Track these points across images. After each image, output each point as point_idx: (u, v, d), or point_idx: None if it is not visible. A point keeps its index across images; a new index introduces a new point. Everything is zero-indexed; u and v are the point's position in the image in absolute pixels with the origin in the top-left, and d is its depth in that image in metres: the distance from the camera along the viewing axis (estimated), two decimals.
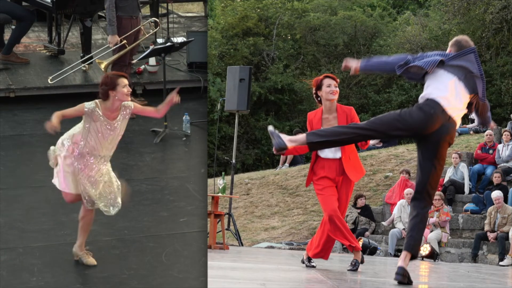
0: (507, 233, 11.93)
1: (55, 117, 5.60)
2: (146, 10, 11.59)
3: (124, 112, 5.85)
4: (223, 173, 10.60)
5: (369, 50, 24.97)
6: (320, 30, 25.36)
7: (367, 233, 13.09)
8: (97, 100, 5.75)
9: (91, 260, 5.93)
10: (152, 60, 9.75)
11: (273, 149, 5.36)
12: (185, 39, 10.24)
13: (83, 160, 5.81)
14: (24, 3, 10.19)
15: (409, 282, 5.23)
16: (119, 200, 5.90)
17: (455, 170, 13.90)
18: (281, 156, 17.79)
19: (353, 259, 6.56)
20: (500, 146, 14.16)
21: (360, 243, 11.17)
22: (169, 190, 7.31)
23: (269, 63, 24.91)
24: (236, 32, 25.18)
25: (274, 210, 15.15)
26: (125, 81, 5.73)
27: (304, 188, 15.43)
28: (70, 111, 5.80)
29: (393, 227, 12.95)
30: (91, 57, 9.33)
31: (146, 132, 8.46)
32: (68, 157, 5.81)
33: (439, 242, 12.32)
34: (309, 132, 5.42)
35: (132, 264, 5.95)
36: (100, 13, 10.74)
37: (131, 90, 5.78)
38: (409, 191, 12.61)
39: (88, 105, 5.73)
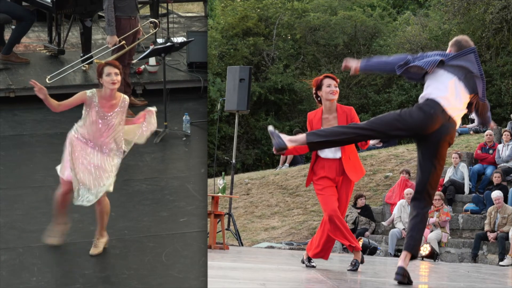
0: (507, 233, 11.93)
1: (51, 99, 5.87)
2: (146, 10, 11.60)
3: (123, 104, 5.95)
4: (223, 173, 10.60)
5: (369, 50, 24.96)
6: (320, 30, 25.36)
7: (367, 233, 13.09)
8: (95, 89, 5.93)
9: (94, 250, 6.00)
10: (152, 60, 9.76)
11: (273, 149, 5.36)
12: (185, 39, 10.24)
13: (83, 146, 5.91)
14: (24, 3, 10.20)
15: (409, 282, 5.23)
16: (91, 198, 5.94)
17: (455, 170, 13.90)
18: (281, 156, 17.79)
19: (353, 259, 6.56)
20: (500, 146, 14.16)
21: (360, 243, 11.17)
22: (169, 190, 7.32)
23: (269, 63, 24.92)
24: (236, 32, 25.19)
25: (274, 210, 15.15)
26: (110, 69, 5.84)
27: (304, 188, 15.43)
28: (70, 99, 5.94)
29: (393, 227, 12.95)
30: (91, 57, 9.33)
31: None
32: (74, 144, 5.93)
33: (439, 242, 12.32)
34: (309, 132, 5.42)
35: (132, 264, 5.95)
36: (100, 13, 10.75)
37: (117, 79, 5.84)
38: (409, 191, 12.61)
39: (89, 92, 5.92)
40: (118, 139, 6.02)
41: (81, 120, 5.99)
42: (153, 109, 6.26)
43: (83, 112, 5.96)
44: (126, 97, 6.04)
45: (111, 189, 6.00)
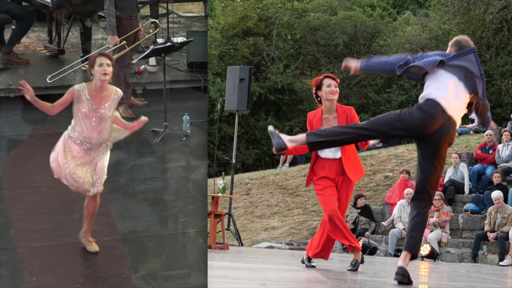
0: (507, 233, 11.93)
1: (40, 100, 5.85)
2: (146, 10, 11.59)
3: (115, 97, 5.92)
4: (223, 173, 10.60)
5: (369, 50, 24.97)
6: (320, 30, 25.37)
7: (367, 233, 13.09)
8: (84, 83, 5.90)
9: (94, 247, 5.99)
10: (152, 60, 9.75)
11: (273, 149, 5.36)
12: (185, 39, 10.24)
13: (79, 146, 5.89)
14: (24, 3, 10.19)
15: (409, 282, 5.23)
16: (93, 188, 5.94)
17: (455, 170, 13.90)
18: (281, 156, 17.80)
19: (353, 259, 6.56)
20: (500, 146, 14.16)
21: (360, 243, 11.17)
22: (169, 190, 7.32)
23: (269, 63, 24.92)
24: (236, 32, 25.20)
25: (274, 210, 15.15)
26: (102, 59, 5.80)
27: (304, 188, 15.43)
28: (61, 99, 5.91)
29: (393, 227, 12.95)
30: None
31: (146, 132, 8.46)
32: (68, 144, 5.92)
33: (439, 242, 12.32)
34: (309, 132, 5.42)
35: (132, 264, 5.95)
36: (100, 13, 10.74)
37: (109, 70, 5.82)
38: (409, 191, 12.61)
39: (77, 86, 5.88)
40: (109, 135, 6.00)
41: (74, 119, 5.94)
42: (145, 118, 6.21)
43: (73, 108, 5.91)
44: (119, 90, 5.98)
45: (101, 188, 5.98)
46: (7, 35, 9.97)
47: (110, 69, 5.82)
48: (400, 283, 5.21)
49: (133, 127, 6.15)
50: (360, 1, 27.19)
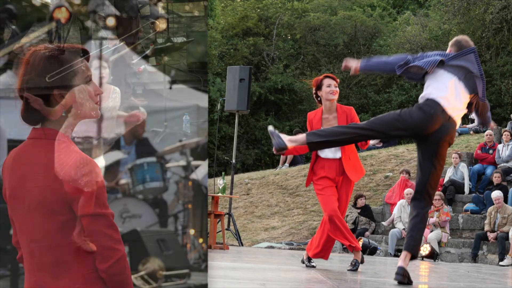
0: (507, 233, 11.93)
1: None
2: (146, 10, 11.59)
3: (114, 95, 5.94)
4: (223, 173, 10.60)
5: (369, 50, 24.98)
6: (320, 30, 25.38)
7: (367, 233, 13.09)
8: (83, 84, 5.91)
9: (92, 246, 5.97)
10: (152, 60, 9.75)
11: (273, 149, 5.36)
12: (185, 39, 10.24)
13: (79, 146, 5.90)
14: (24, 3, 10.20)
15: (409, 282, 5.23)
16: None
17: (455, 170, 13.91)
18: (281, 156, 17.80)
19: (353, 259, 6.56)
20: (500, 146, 14.17)
21: (360, 243, 11.17)
22: (169, 190, 7.31)
23: (269, 63, 24.92)
24: (236, 32, 25.21)
25: (274, 210, 15.15)
26: (97, 62, 5.84)
27: (304, 188, 15.43)
28: (63, 102, 5.89)
29: (393, 227, 12.96)
30: None
31: (146, 132, 8.45)
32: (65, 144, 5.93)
33: (439, 242, 12.32)
34: (309, 132, 5.42)
35: (132, 264, 5.95)
36: (100, 13, 10.75)
37: (105, 72, 5.86)
38: (409, 191, 12.61)
39: (77, 88, 5.87)
40: (111, 135, 6.00)
41: (73, 119, 5.93)
42: (144, 112, 6.22)
43: (73, 109, 5.91)
44: (117, 88, 6.01)
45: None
46: (7, 35, 9.98)
47: (106, 71, 5.86)
48: (400, 283, 5.20)
49: (131, 118, 6.15)
50: (360, 1, 27.21)
